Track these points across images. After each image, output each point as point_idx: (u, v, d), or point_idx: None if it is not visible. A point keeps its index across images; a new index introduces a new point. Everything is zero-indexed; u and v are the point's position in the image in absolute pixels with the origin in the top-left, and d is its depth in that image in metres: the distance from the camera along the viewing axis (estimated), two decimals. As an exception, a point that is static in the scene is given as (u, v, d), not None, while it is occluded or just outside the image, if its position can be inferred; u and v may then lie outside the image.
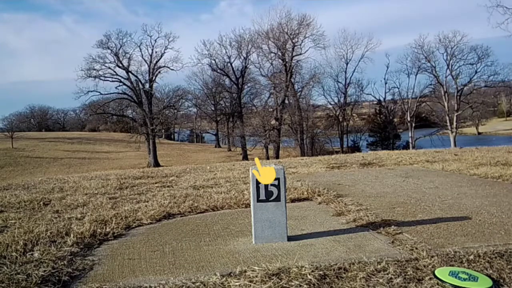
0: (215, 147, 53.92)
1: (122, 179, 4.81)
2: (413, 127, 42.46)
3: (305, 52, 39.10)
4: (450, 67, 40.26)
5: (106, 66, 37.59)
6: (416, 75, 43.00)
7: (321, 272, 1.64)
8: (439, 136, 42.17)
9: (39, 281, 1.70)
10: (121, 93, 39.36)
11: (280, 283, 1.57)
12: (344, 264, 1.74)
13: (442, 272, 1.59)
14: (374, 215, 2.55)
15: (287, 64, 38.05)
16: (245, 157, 37.48)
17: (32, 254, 2.04)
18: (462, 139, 42.74)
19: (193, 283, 1.61)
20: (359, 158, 6.25)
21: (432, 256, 1.78)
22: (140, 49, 39.06)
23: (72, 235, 2.33)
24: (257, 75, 43.20)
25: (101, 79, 37.22)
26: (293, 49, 38.33)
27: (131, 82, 38.68)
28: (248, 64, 42.45)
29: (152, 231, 2.49)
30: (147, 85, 39.07)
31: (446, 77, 40.86)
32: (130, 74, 38.35)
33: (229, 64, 43.43)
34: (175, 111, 49.34)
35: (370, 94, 51.99)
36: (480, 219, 2.39)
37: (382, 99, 48.36)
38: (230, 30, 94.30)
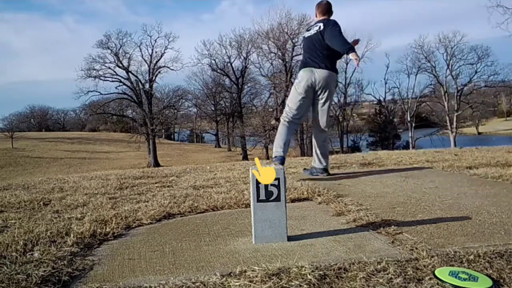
0: (215, 147, 53.90)
1: (122, 179, 4.80)
2: (413, 127, 42.49)
3: (305, 52, 39.04)
4: (450, 67, 40.30)
5: (106, 66, 37.65)
6: (416, 75, 43.06)
7: (321, 272, 1.64)
8: (439, 136, 42.19)
9: (39, 281, 1.70)
10: (121, 93, 39.40)
11: (280, 283, 1.57)
12: (344, 264, 1.73)
13: (442, 272, 1.59)
14: (374, 215, 2.54)
15: (287, 64, 38.05)
16: (245, 157, 37.48)
17: (32, 254, 2.04)
18: (462, 139, 42.75)
19: (193, 283, 1.61)
20: (359, 158, 6.24)
21: (432, 256, 1.77)
22: (140, 49, 39.12)
23: (72, 235, 2.32)
24: (257, 75, 43.22)
25: (101, 79, 37.28)
26: (293, 49, 38.30)
27: (131, 82, 38.71)
28: (248, 64, 42.50)
29: (152, 231, 2.49)
30: (147, 85, 39.10)
31: (446, 77, 40.93)
32: (130, 74, 38.38)
33: (229, 64, 43.47)
34: (175, 111, 49.36)
35: (370, 94, 52.17)
36: (480, 219, 2.39)
37: (382, 99, 48.39)
38: (231, 30, 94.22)
